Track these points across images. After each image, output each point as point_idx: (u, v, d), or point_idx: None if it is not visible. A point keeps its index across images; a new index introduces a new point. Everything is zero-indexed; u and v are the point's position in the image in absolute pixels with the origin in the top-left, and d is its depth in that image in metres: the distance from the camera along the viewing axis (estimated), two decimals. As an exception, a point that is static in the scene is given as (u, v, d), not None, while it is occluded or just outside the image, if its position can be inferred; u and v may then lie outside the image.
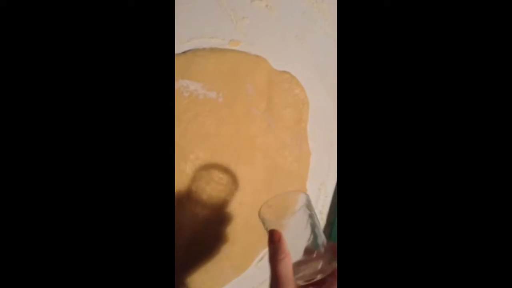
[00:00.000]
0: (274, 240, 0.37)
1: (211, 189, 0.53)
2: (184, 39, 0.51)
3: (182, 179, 0.52)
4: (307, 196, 0.43)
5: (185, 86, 0.51)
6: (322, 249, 0.39)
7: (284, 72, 0.57)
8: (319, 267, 0.38)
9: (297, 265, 0.37)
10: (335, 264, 0.38)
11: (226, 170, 0.54)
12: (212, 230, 0.54)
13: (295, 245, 0.38)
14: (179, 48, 0.51)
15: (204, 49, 0.52)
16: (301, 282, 0.37)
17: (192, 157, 0.52)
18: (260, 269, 0.59)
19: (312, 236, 0.39)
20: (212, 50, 0.52)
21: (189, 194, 0.52)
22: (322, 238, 0.40)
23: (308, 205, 0.41)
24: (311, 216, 0.40)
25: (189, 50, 0.51)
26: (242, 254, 0.57)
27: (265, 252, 0.59)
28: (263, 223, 0.41)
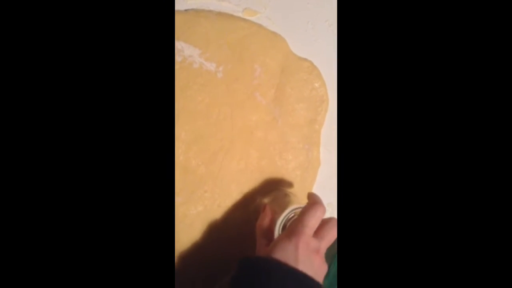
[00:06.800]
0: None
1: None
2: (189, -5, 0.43)
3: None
4: None
5: (179, 49, 0.42)
6: None
7: (305, 59, 0.47)
8: None
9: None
10: None
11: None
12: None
13: None
14: (180, 4, 0.43)
15: (210, 11, 0.43)
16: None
17: (171, 136, 0.43)
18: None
19: None
20: (220, 14, 0.44)
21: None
22: None
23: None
24: None
25: (192, 9, 0.43)
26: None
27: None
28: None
